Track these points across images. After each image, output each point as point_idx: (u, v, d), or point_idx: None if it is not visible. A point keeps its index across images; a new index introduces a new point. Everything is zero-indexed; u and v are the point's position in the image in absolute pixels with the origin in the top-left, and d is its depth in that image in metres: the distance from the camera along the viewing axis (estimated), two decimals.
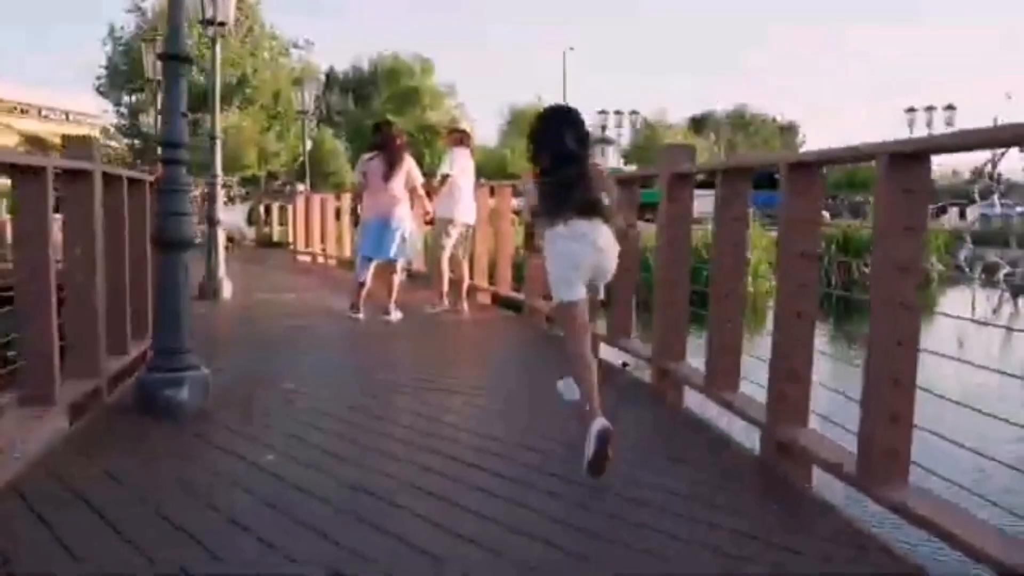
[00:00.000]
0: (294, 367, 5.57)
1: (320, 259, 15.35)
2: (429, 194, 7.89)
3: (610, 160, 36.92)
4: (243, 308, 8.74)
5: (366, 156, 7.64)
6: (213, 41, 9.38)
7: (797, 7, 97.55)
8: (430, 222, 7.96)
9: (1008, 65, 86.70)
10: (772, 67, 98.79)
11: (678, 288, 4.82)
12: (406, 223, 7.46)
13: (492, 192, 9.31)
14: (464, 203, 7.90)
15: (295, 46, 31.86)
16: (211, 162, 9.36)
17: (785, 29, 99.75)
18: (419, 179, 7.68)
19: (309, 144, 40.72)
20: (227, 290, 9.39)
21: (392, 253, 7.41)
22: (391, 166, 7.36)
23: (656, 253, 5.06)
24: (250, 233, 22.01)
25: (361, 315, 7.56)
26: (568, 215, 3.55)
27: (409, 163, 7.54)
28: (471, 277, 8.78)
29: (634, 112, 39.75)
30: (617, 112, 38.92)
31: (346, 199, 14.46)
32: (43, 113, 39.53)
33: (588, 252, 3.57)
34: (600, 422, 3.17)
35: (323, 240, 15.42)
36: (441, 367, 5.89)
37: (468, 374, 5.78)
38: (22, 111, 38.54)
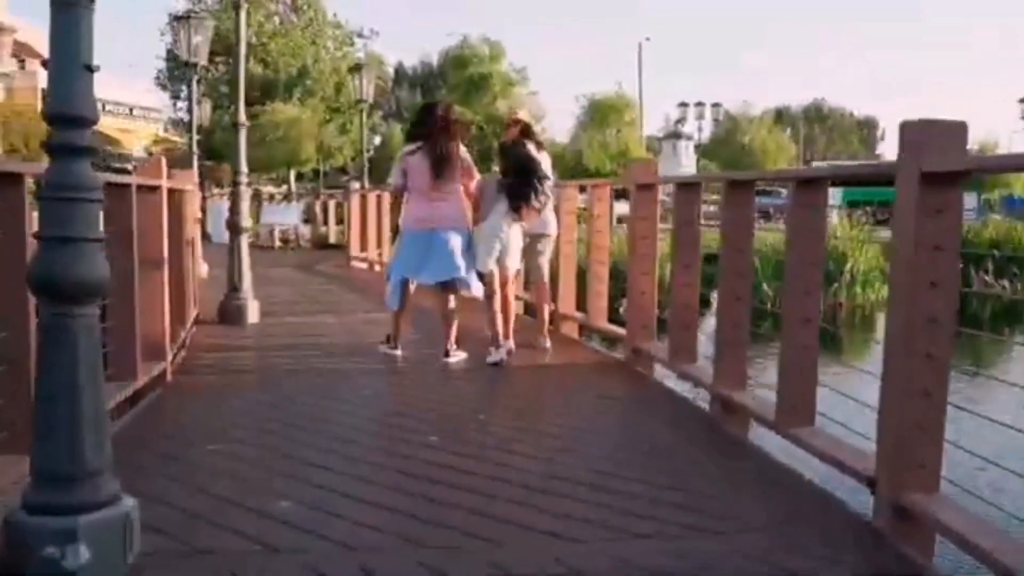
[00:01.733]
0: (296, 465, 3.75)
1: (377, 267, 13.64)
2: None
3: (684, 158, 34.47)
4: (264, 340, 7.01)
5: (406, 149, 5.81)
6: (236, 6, 7.63)
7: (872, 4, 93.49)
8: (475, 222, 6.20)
9: None
10: (849, 60, 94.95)
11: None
12: (463, 233, 5.72)
13: (583, 189, 7.96)
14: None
15: (359, 35, 30.49)
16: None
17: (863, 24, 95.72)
18: (476, 173, 5.93)
19: (377, 140, 39.86)
20: (253, 312, 7.70)
21: (445, 274, 5.67)
22: (440, 159, 5.60)
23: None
24: (307, 233, 20.55)
25: (399, 351, 6.00)
26: None
27: (466, 157, 5.84)
28: (553, 302, 6.98)
29: (716, 104, 37.30)
30: (698, 104, 36.56)
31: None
32: (107, 108, 39.18)
33: None
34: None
35: (379, 244, 13.66)
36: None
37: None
38: None
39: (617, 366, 6.03)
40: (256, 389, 5.21)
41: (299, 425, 4.28)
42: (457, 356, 5.82)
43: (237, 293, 7.68)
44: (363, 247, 14.53)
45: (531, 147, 5.94)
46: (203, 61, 12.44)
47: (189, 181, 9.27)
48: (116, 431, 4.13)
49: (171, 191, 6.68)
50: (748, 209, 4.39)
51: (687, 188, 5.20)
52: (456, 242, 5.63)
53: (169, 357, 5.38)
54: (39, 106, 35.71)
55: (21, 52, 42.00)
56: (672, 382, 5.45)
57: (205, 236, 23.07)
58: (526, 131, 6.15)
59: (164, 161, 5.52)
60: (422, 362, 5.97)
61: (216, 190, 24.87)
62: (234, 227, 7.72)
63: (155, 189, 5.23)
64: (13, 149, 25.51)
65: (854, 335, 13.88)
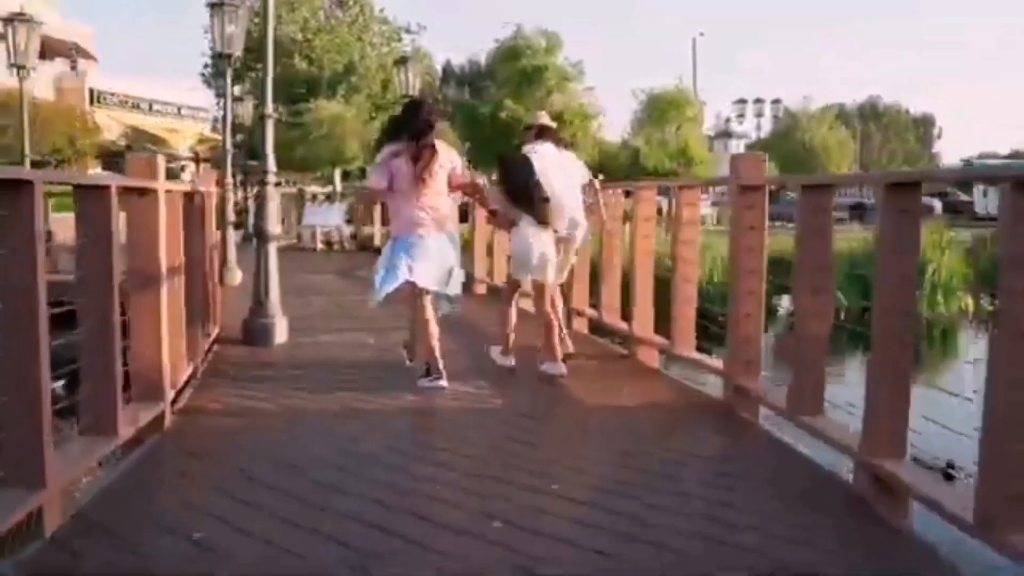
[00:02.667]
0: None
1: None
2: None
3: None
4: (289, 369, 6.01)
5: (389, 150, 5.35)
6: None
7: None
8: (493, 213, 5.95)
9: None
10: (902, 56, 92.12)
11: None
12: (453, 240, 5.45)
13: (627, 194, 7.36)
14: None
15: (406, 31, 29.50)
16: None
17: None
18: (462, 168, 5.63)
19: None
20: (281, 330, 6.75)
21: (433, 284, 5.29)
22: (428, 161, 5.25)
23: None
24: (349, 234, 19.71)
25: (439, 383, 5.24)
26: None
27: (446, 151, 5.46)
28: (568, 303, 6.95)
29: (776, 101, 35.76)
30: (757, 100, 35.10)
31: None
32: (154, 107, 38.98)
33: None
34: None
35: None
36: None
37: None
38: (133, 105, 37.99)
39: (715, 409, 4.95)
40: (272, 440, 4.21)
41: (319, 505, 3.26)
42: (441, 380, 5.22)
43: (263, 309, 6.74)
44: None
45: (547, 147, 5.77)
46: (237, 52, 11.57)
47: (210, 181, 8.47)
48: (80, 505, 3.21)
49: (189, 194, 5.79)
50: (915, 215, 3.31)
51: (817, 191, 4.10)
52: (447, 251, 5.36)
53: (168, 397, 4.42)
54: (87, 107, 35.68)
55: (73, 53, 42.13)
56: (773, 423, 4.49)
57: (247, 238, 22.54)
58: (542, 132, 5.92)
59: (161, 159, 4.53)
60: (465, 396, 5.09)
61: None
62: (260, 233, 6.77)
63: (146, 192, 4.26)
64: (56, 150, 25.13)
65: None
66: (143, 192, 4.25)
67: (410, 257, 5.21)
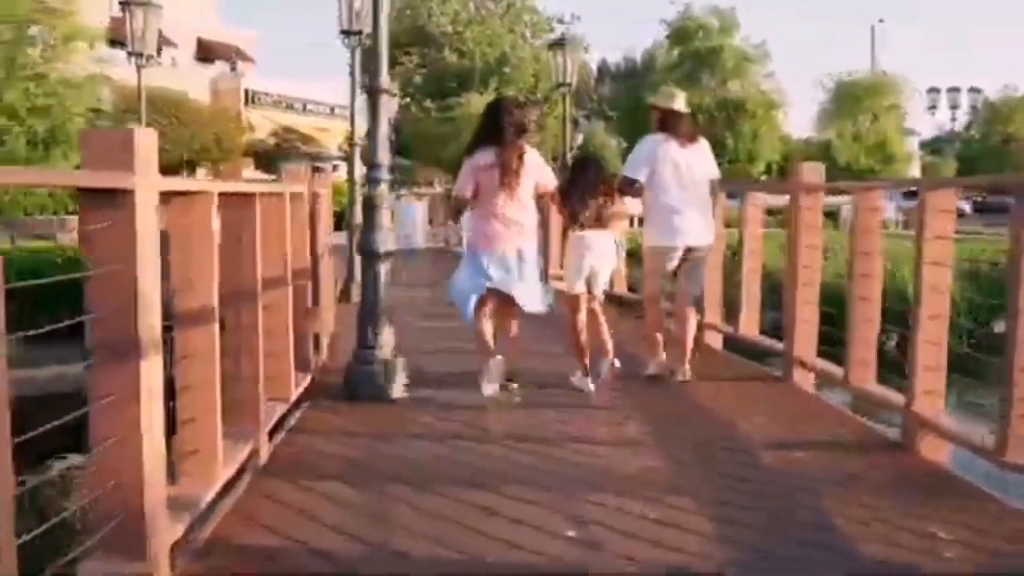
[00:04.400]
0: None
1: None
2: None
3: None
4: (394, 458, 4.09)
5: (475, 157, 5.00)
6: None
7: None
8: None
9: None
10: None
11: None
12: (536, 256, 5.15)
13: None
14: (666, 218, 5.34)
15: (559, 21, 27.75)
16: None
17: None
18: (551, 179, 5.24)
19: (580, 138, 37.27)
20: (395, 381, 4.96)
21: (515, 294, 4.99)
22: (507, 167, 4.91)
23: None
24: None
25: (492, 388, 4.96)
26: None
27: (535, 160, 5.08)
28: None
29: (975, 89, 31.72)
30: (952, 90, 31.24)
31: None
32: (307, 107, 39.01)
33: None
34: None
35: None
36: None
37: None
38: (288, 105, 38.10)
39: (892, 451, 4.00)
40: None
41: None
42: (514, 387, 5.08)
43: (371, 352, 4.98)
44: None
45: (673, 144, 5.27)
46: (366, 30, 10.01)
47: (298, 182, 6.92)
48: None
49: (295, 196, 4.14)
50: None
51: None
52: (528, 263, 5.05)
53: (172, 537, 2.64)
54: (241, 108, 35.90)
55: (234, 56, 42.88)
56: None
57: None
58: (666, 121, 5.35)
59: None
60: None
61: (404, 190, 23.09)
62: (367, 250, 5.02)
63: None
64: (205, 148, 24.96)
65: None
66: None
67: (489, 274, 4.97)
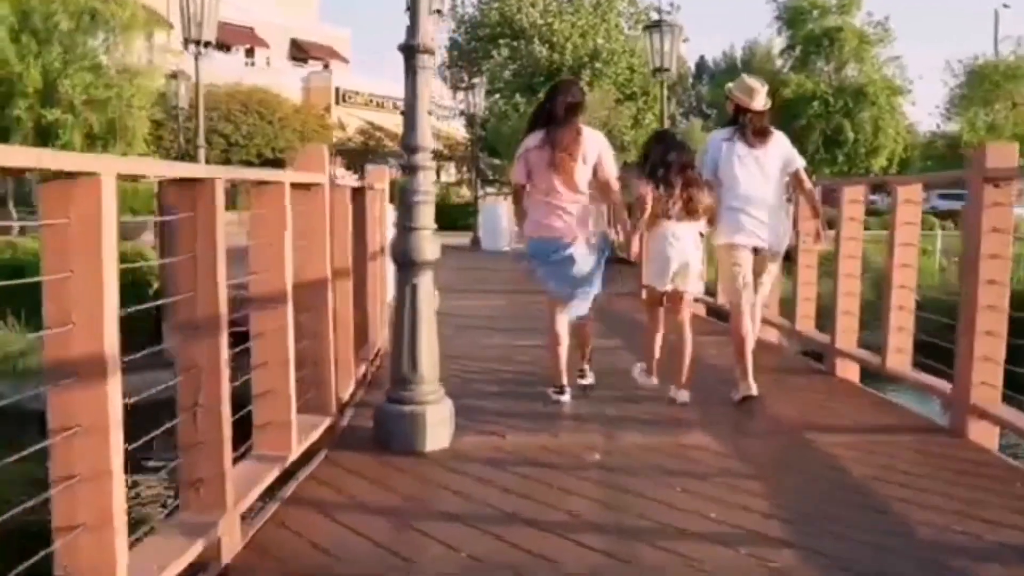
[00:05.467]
0: None
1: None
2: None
3: None
4: (440, 532, 2.98)
5: (528, 141, 4.62)
6: None
7: None
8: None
9: None
10: None
11: None
12: (593, 247, 4.66)
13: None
14: (732, 217, 4.78)
15: (656, 11, 26.25)
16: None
17: None
18: (613, 168, 4.67)
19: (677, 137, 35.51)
20: (438, 424, 3.86)
21: (579, 293, 4.65)
22: (556, 145, 4.50)
23: None
24: None
25: (566, 396, 4.73)
26: None
27: (595, 140, 4.63)
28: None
29: None
30: None
31: None
32: (397, 105, 38.59)
33: None
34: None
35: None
36: None
37: None
38: (377, 104, 37.78)
39: None
40: None
41: None
42: (589, 377, 4.93)
43: (408, 386, 3.85)
44: None
45: (739, 143, 4.80)
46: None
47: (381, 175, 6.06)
48: None
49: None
50: None
51: None
52: (583, 260, 4.63)
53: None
54: (331, 104, 35.62)
55: (325, 56, 42.89)
56: None
57: (475, 242, 20.42)
58: (736, 115, 4.88)
59: None
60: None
61: (491, 189, 22.18)
62: (401, 258, 3.87)
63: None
64: (288, 146, 24.54)
65: None
66: None
67: (550, 272, 4.69)
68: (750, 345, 4.77)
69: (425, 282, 3.90)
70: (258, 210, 3.27)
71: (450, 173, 36.82)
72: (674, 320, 4.84)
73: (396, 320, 3.93)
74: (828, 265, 6.05)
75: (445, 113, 30.89)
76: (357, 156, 29.28)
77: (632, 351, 5.74)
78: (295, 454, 3.45)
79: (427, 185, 3.89)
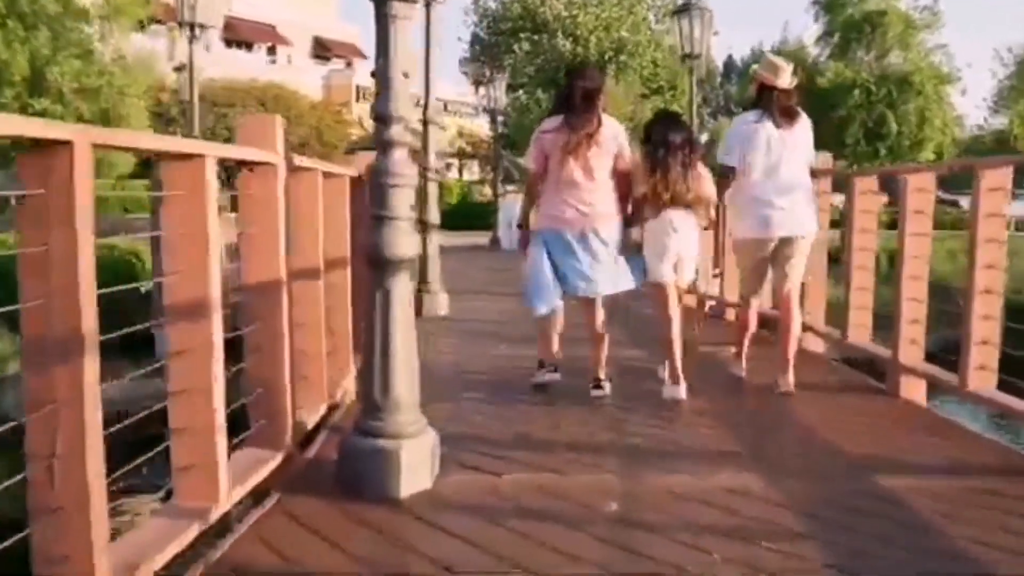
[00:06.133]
0: None
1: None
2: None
3: None
4: None
5: (544, 126, 4.49)
6: None
7: None
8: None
9: None
10: None
11: None
12: (611, 235, 4.41)
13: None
14: (756, 207, 4.65)
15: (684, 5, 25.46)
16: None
17: None
18: (629, 153, 4.46)
19: (704, 137, 34.78)
20: (416, 464, 3.10)
21: (585, 288, 4.42)
22: (573, 129, 4.32)
23: None
24: None
25: (556, 375, 4.69)
26: None
27: (614, 128, 4.44)
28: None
29: None
30: None
31: None
32: (419, 103, 37.97)
33: None
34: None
35: (718, 264, 8.67)
36: None
37: None
38: None
39: None
40: None
41: None
42: (606, 388, 4.59)
43: (380, 414, 3.09)
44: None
45: (767, 124, 4.61)
46: None
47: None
48: None
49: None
50: None
51: None
52: (600, 247, 4.39)
53: None
54: (351, 102, 35.10)
55: (348, 53, 42.43)
56: None
57: (494, 242, 19.68)
58: (760, 95, 4.72)
59: None
60: None
61: (511, 187, 21.41)
62: (374, 256, 3.09)
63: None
64: (303, 144, 23.96)
65: None
66: None
67: (557, 264, 4.39)
68: (794, 338, 4.73)
69: (401, 284, 3.13)
70: (174, 191, 2.53)
71: (473, 172, 36.23)
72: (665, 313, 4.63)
73: (366, 332, 3.17)
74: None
75: (469, 111, 30.31)
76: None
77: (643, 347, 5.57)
78: (225, 505, 2.70)
79: (404, 166, 3.12)
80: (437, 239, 8.02)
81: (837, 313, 5.71)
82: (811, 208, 4.80)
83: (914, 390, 4.63)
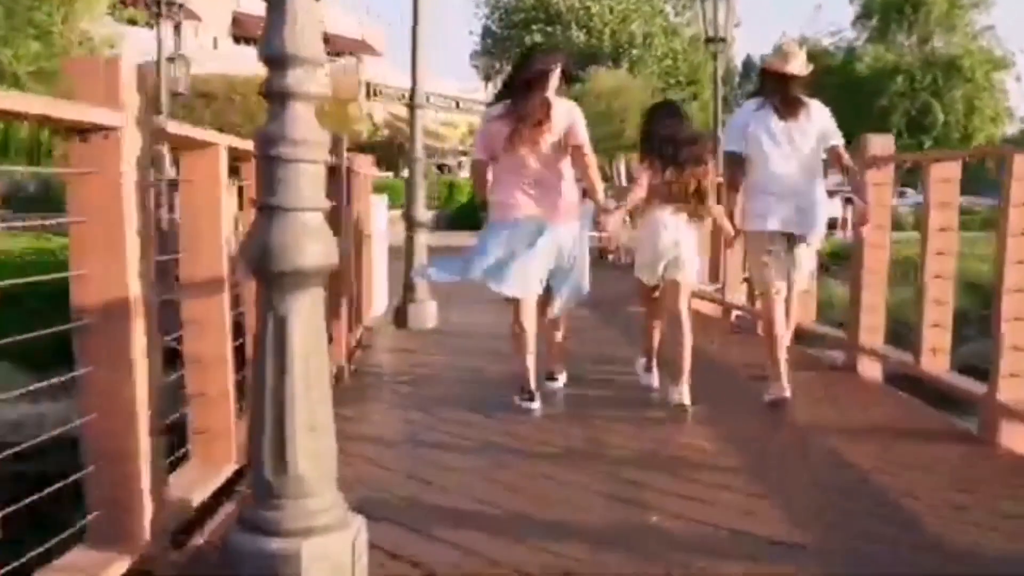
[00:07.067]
0: None
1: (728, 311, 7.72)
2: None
3: None
4: None
5: (490, 112, 4.41)
6: None
7: None
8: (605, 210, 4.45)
9: None
10: None
11: None
12: (565, 229, 4.21)
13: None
14: (757, 199, 4.41)
15: None
16: None
17: None
18: (582, 133, 4.18)
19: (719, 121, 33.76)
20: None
21: (527, 286, 4.16)
22: (528, 126, 4.08)
23: None
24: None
25: (536, 404, 4.19)
26: None
27: (565, 109, 4.20)
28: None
29: None
30: None
31: None
32: (431, 99, 37.24)
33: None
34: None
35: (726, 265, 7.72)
36: None
37: None
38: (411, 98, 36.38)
39: None
40: None
41: None
42: (562, 379, 4.59)
43: (273, 501, 2.06)
44: (712, 272, 8.36)
45: (768, 113, 4.35)
46: None
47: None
48: None
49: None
50: None
51: None
52: (549, 243, 4.16)
53: None
54: (362, 100, 34.33)
55: (357, 49, 41.69)
56: None
57: None
58: (767, 83, 4.48)
59: None
60: None
61: None
62: (259, 267, 2.06)
63: None
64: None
65: None
66: None
67: (506, 253, 4.12)
68: (784, 341, 4.41)
69: (305, 310, 2.09)
70: None
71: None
72: (670, 312, 4.32)
73: (254, 381, 2.14)
74: (903, 266, 5.37)
75: (481, 108, 29.48)
76: (385, 150, 27.91)
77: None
78: None
79: (308, 130, 2.09)
80: (425, 239, 6.98)
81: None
82: (820, 205, 4.49)
83: (1020, 439, 3.56)
